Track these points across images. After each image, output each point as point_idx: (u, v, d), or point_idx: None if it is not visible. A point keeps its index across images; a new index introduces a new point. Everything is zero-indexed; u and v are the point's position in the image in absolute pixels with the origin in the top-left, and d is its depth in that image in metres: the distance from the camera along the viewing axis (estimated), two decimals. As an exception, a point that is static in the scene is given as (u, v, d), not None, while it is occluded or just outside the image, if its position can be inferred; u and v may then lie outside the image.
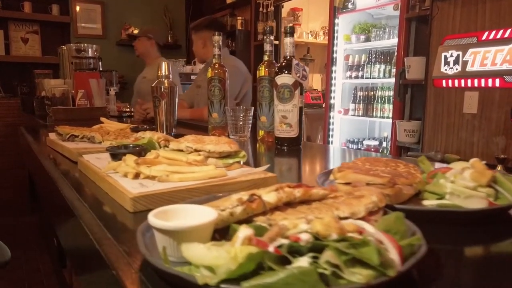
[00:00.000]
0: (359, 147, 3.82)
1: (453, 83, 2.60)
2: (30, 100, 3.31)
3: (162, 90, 1.62)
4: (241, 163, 0.84)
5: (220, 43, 1.61)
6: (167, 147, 0.89)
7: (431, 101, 2.78)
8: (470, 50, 2.47)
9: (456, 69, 2.56)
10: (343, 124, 3.99)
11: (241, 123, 1.55)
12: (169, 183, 0.68)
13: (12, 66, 5.09)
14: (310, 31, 5.00)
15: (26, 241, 3.55)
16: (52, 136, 1.30)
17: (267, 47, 1.44)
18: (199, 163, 0.76)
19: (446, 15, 2.64)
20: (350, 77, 3.82)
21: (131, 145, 0.87)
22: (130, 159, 0.74)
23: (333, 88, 3.87)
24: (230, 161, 0.82)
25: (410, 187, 0.62)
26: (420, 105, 3.01)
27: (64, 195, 0.74)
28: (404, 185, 0.61)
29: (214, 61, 1.62)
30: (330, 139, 3.93)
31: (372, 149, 3.62)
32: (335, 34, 3.79)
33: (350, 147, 3.89)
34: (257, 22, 4.75)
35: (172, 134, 1.56)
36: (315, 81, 5.19)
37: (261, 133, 1.49)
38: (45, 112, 2.89)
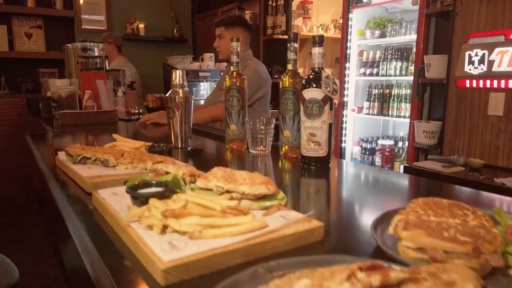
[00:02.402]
0: (373, 146, 3.70)
1: (477, 83, 2.47)
2: (35, 100, 3.21)
3: (177, 100, 1.51)
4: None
5: (238, 50, 1.50)
6: (193, 183, 0.79)
7: (453, 101, 2.65)
8: (497, 49, 2.34)
9: (481, 69, 2.43)
10: (356, 123, 3.87)
11: (261, 136, 1.44)
12: (202, 241, 0.59)
13: (16, 62, 5.00)
14: (321, 25, 4.85)
15: (33, 244, 3.48)
16: (62, 155, 1.20)
17: (291, 55, 1.33)
18: (233, 210, 0.66)
19: (471, 11, 2.50)
20: (364, 74, 3.69)
21: (153, 182, 0.77)
22: (155, 207, 0.64)
23: (346, 85, 3.74)
24: (267, 203, 0.72)
25: (497, 256, 0.51)
26: (440, 105, 2.89)
27: (79, 250, 0.65)
28: (490, 253, 0.51)
29: (232, 69, 1.51)
30: (343, 138, 3.82)
31: (387, 149, 3.50)
32: (349, 30, 3.66)
33: (364, 146, 3.78)
34: (266, 16, 4.60)
35: (189, 148, 1.46)
36: (325, 76, 5.06)
37: (284, 148, 1.38)
38: (51, 114, 2.79)
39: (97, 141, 2.03)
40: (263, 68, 2.59)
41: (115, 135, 1.28)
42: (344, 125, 3.80)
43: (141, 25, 5.55)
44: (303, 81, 1.22)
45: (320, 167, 1.22)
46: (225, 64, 3.58)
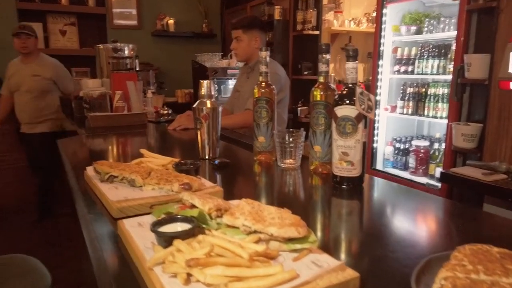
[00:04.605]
0: (407, 147, 3.57)
1: (523, 85, 2.31)
2: (68, 101, 3.28)
3: (204, 111, 1.49)
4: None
5: (268, 59, 1.44)
6: (220, 217, 0.75)
7: (495, 104, 2.50)
8: (546, 49, 2.17)
9: (528, 71, 2.26)
10: (389, 122, 3.74)
11: (290, 149, 1.40)
12: (228, 296, 0.55)
13: (52, 59, 5.13)
14: (353, 19, 4.69)
15: (57, 242, 3.54)
16: (90, 171, 1.20)
17: (323, 68, 1.27)
18: (261, 255, 0.62)
19: (517, 8, 2.33)
20: (399, 71, 3.54)
21: (179, 216, 0.74)
22: (179, 251, 0.62)
23: (379, 83, 3.61)
24: (298, 246, 0.68)
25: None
26: (480, 107, 2.73)
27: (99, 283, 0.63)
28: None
29: (260, 79, 1.46)
30: (375, 138, 3.70)
31: (422, 150, 3.36)
32: (383, 25, 3.51)
33: (397, 146, 3.65)
34: (296, 11, 4.50)
35: (216, 162, 1.43)
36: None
37: (314, 163, 1.33)
38: (83, 114, 2.84)
39: (127, 146, 2.05)
40: (282, 69, 2.56)
41: (142, 150, 1.26)
42: (376, 125, 3.68)
43: (171, 21, 5.57)
44: (336, 97, 1.16)
45: (352, 188, 1.16)
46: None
